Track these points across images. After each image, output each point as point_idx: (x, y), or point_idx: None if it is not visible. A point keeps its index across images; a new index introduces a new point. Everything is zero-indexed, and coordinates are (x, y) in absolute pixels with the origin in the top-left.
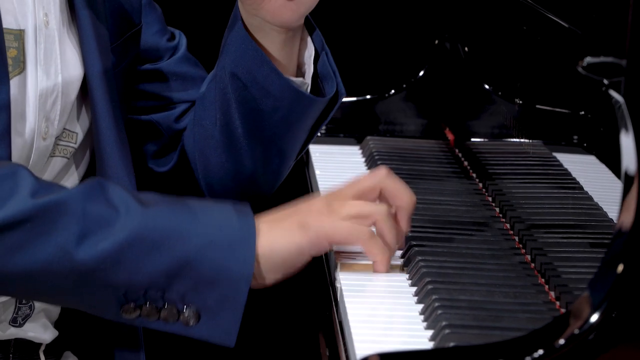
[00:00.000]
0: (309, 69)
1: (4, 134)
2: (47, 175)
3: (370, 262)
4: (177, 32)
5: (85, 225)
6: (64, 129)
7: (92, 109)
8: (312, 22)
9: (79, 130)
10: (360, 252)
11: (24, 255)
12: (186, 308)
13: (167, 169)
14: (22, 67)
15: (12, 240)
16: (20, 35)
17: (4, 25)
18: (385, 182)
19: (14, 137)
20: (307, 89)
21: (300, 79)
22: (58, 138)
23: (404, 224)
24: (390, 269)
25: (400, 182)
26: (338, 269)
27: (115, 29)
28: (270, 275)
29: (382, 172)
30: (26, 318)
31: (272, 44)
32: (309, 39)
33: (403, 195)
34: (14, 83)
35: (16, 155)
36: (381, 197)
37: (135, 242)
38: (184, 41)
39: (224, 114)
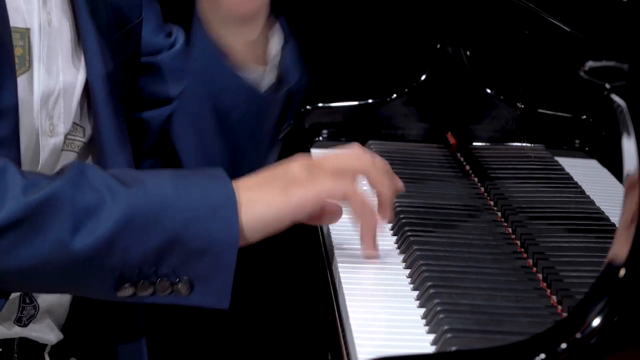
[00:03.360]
0: (273, 60)
1: (13, 134)
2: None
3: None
4: (175, 28)
5: (77, 215)
6: (73, 122)
7: (92, 103)
8: (277, 12)
9: (88, 124)
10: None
11: (22, 252)
12: (179, 280)
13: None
14: (27, 65)
15: (9, 239)
16: (26, 33)
17: (12, 24)
18: (369, 171)
19: (20, 137)
20: (269, 80)
21: (261, 69)
22: (67, 134)
23: (385, 213)
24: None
25: (384, 173)
26: (339, 271)
27: (115, 21)
28: (254, 236)
29: (367, 158)
30: (31, 318)
31: (236, 37)
32: (277, 29)
33: (384, 187)
34: (20, 82)
35: (24, 155)
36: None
37: (126, 225)
38: (181, 37)
39: (196, 113)
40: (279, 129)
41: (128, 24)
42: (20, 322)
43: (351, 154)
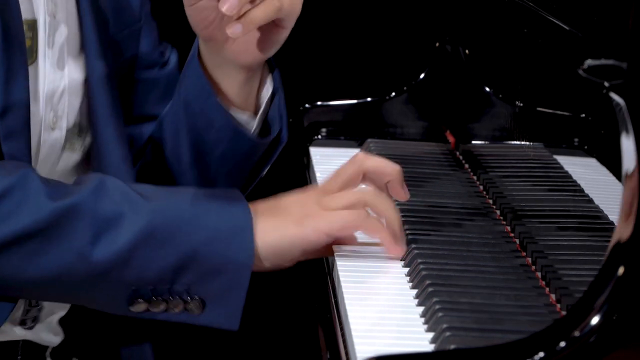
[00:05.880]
0: (261, 109)
1: (24, 127)
2: (59, 169)
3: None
4: (169, 47)
5: (97, 226)
6: (74, 123)
7: (92, 104)
8: (273, 62)
9: (88, 127)
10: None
11: (43, 260)
12: (191, 298)
13: None
14: (34, 57)
15: (30, 247)
16: (33, 25)
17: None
18: (366, 165)
19: None
20: (253, 127)
21: (246, 116)
22: (69, 131)
23: (401, 193)
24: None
25: (379, 159)
26: (338, 270)
27: (114, 22)
28: (265, 264)
29: (359, 156)
30: (35, 321)
31: (232, 81)
32: (269, 79)
33: (387, 169)
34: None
35: None
36: (368, 179)
37: (144, 239)
38: (174, 57)
39: (174, 139)
40: (255, 175)
41: (127, 28)
42: (24, 324)
43: (346, 166)
